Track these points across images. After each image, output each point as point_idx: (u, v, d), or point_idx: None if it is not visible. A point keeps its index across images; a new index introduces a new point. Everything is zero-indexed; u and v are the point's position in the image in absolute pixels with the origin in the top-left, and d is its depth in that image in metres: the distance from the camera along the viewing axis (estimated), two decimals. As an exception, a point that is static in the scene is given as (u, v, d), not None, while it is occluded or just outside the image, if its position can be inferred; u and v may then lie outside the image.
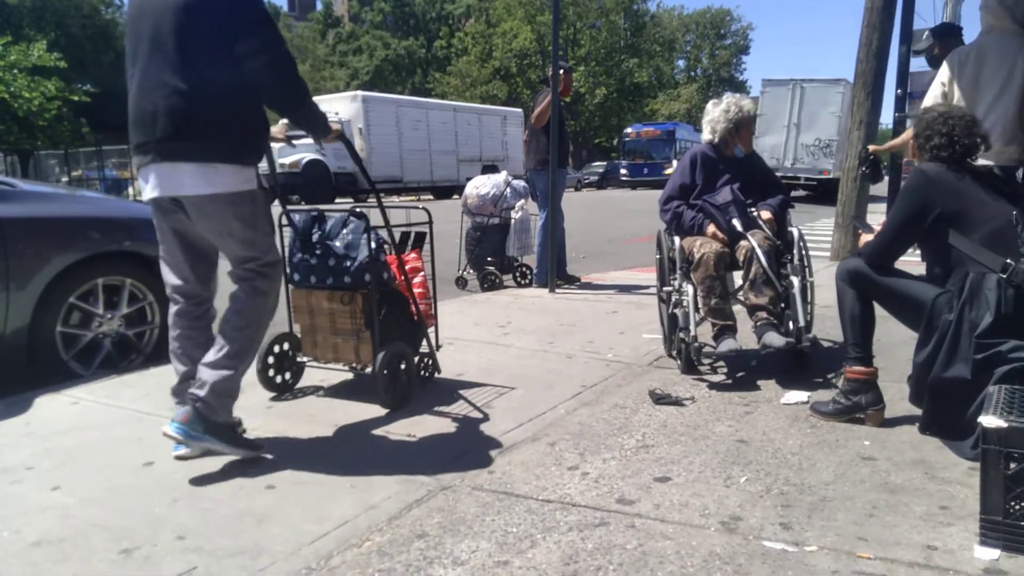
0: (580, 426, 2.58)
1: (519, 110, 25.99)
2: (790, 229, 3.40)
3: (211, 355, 2.23)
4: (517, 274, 5.96)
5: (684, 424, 2.58)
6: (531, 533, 1.81)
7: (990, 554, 1.67)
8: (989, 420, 1.71)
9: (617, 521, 1.86)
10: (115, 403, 2.87)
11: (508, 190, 5.93)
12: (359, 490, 2.06)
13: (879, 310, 2.60)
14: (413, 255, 3.13)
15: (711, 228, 3.33)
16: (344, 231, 2.79)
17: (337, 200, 18.47)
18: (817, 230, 9.90)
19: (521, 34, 40.18)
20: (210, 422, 2.16)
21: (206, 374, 2.20)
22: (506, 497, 2.01)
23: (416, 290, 2.99)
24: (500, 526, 1.85)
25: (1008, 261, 2.22)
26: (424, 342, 3.05)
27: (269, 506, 1.97)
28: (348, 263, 2.73)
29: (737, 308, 3.31)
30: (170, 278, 2.40)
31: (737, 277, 3.42)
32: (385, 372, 2.71)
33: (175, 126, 2.11)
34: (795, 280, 3.13)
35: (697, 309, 3.20)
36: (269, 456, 2.28)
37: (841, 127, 16.53)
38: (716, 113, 3.54)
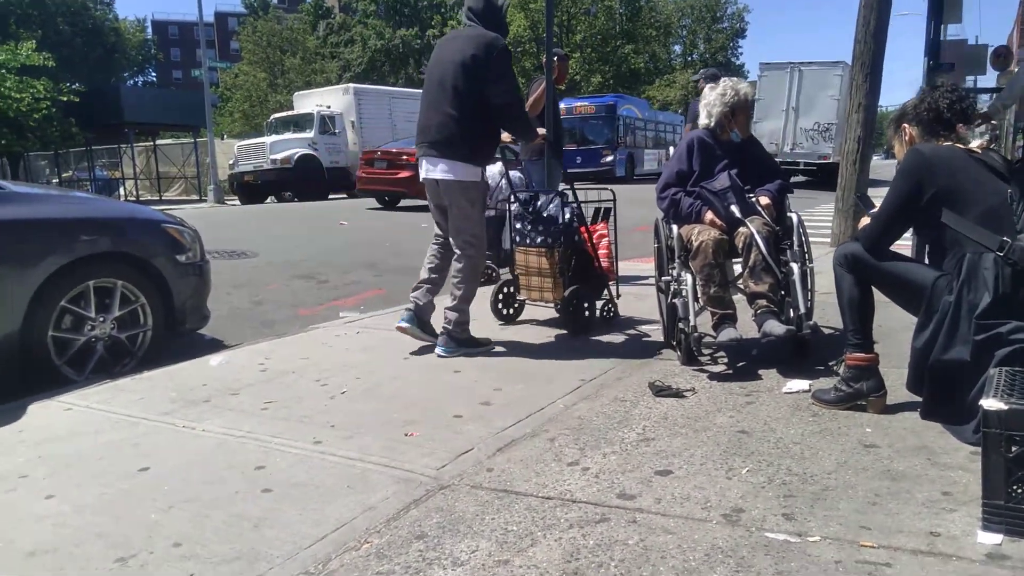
0: (580, 420, 2.56)
1: (513, 99, 25.62)
2: (789, 215, 3.36)
3: (448, 302, 3.52)
4: (514, 266, 5.92)
5: (685, 416, 2.56)
6: (531, 531, 1.79)
7: (993, 539, 1.66)
8: (990, 403, 1.69)
9: (618, 516, 1.84)
10: (109, 408, 2.84)
11: (503, 181, 5.87)
12: (356, 491, 2.04)
13: (879, 295, 2.57)
14: (601, 225, 4.10)
15: (709, 215, 3.29)
16: (550, 206, 3.85)
17: (331, 196, 18.28)
18: (817, 216, 9.85)
19: (515, 21, 39.66)
20: (457, 340, 3.51)
21: (449, 315, 3.50)
22: (505, 495, 1.99)
23: (600, 251, 3.96)
24: (500, 525, 1.83)
25: (1005, 239, 2.19)
26: (606, 292, 4.06)
27: (265, 510, 1.95)
28: (552, 228, 3.79)
29: (737, 296, 3.28)
30: (436, 228, 3.71)
31: (736, 265, 3.39)
32: (570, 306, 3.75)
33: (440, 134, 3.39)
34: (795, 267, 3.10)
35: (696, 298, 3.16)
36: (495, 348, 3.61)
37: (840, 110, 16.22)
38: (712, 97, 3.49)
